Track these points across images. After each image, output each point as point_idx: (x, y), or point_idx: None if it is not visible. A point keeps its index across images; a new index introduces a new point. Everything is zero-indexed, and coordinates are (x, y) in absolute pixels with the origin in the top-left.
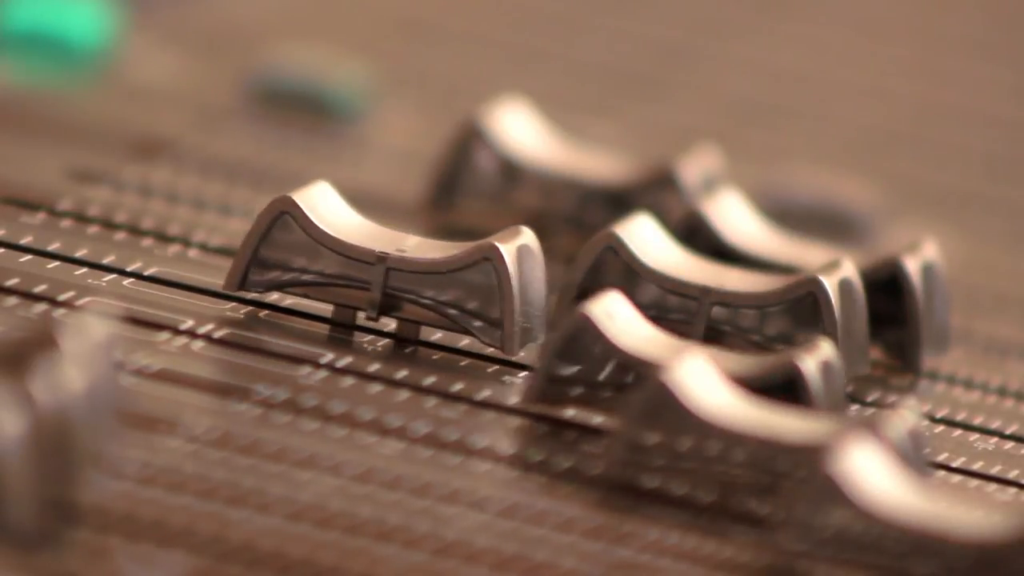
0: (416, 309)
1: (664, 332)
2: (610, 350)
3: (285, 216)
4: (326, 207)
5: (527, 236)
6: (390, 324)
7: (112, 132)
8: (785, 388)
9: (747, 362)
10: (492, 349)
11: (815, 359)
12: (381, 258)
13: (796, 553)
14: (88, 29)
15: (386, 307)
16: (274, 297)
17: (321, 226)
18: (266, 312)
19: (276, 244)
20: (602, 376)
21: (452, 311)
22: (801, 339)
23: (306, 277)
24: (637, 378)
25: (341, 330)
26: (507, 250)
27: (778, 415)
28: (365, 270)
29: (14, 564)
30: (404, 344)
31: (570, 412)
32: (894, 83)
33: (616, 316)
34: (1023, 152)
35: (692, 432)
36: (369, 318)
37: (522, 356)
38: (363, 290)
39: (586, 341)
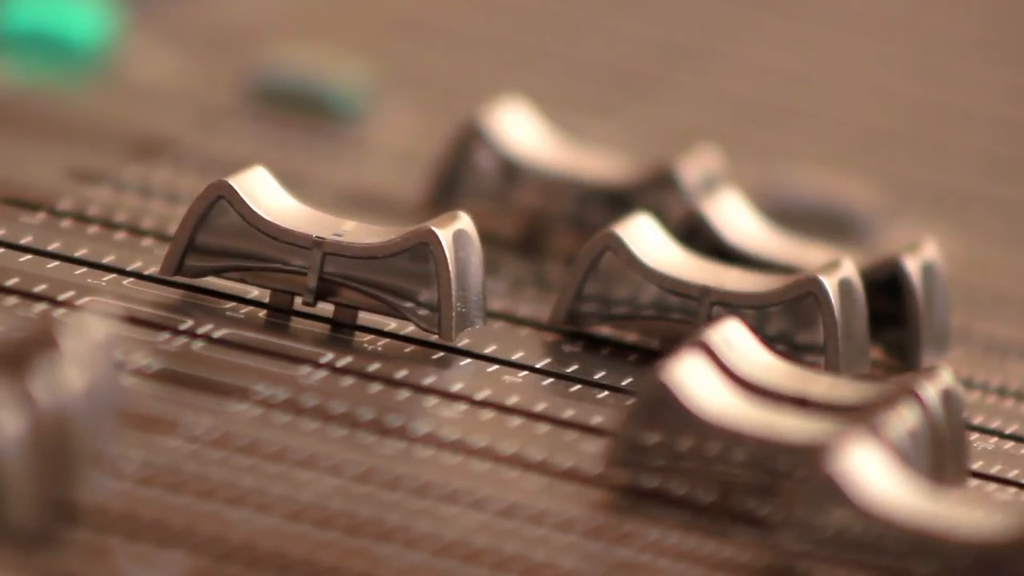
0: (353, 294)
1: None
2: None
3: (221, 201)
4: (263, 192)
5: (464, 221)
6: (328, 309)
7: (112, 132)
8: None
9: None
10: (433, 336)
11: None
12: (318, 243)
13: (796, 553)
14: (88, 29)
15: (323, 292)
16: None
17: (257, 210)
18: (265, 312)
19: (213, 229)
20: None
21: (389, 296)
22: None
23: (243, 262)
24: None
25: (278, 315)
26: (444, 235)
27: (778, 415)
28: (302, 255)
29: (14, 564)
30: (341, 329)
31: (569, 412)
32: (894, 83)
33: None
34: (1023, 152)
35: (692, 432)
36: (306, 303)
37: (463, 342)
38: (300, 275)
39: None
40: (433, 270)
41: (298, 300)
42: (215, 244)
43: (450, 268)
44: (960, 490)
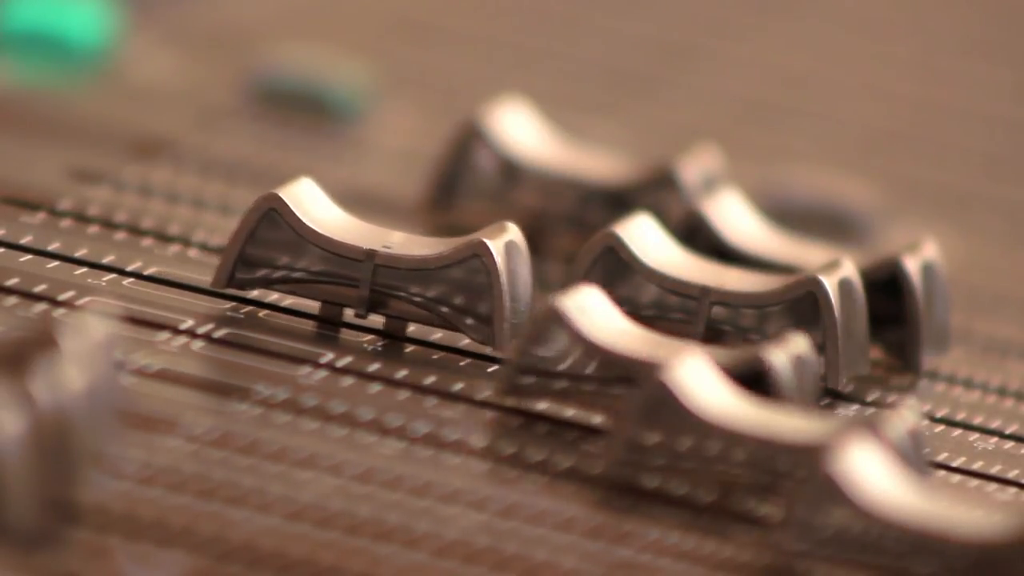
0: (404, 306)
1: (638, 325)
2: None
3: (272, 213)
4: (312, 204)
5: (513, 232)
6: (379, 321)
7: (112, 132)
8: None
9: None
10: (482, 346)
11: (786, 353)
12: (369, 255)
13: (796, 553)
14: (88, 29)
15: (374, 304)
16: (254, 294)
17: (308, 223)
18: (252, 310)
19: (263, 242)
20: (576, 370)
21: (441, 308)
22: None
23: (293, 274)
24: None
25: (329, 327)
26: (495, 246)
27: (778, 415)
28: (353, 267)
29: (14, 564)
30: (392, 341)
31: (569, 412)
32: (894, 83)
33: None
34: (1023, 152)
35: (692, 432)
36: (357, 315)
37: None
38: (351, 287)
39: (558, 335)
40: (486, 281)
41: (348, 312)
42: (265, 256)
43: (503, 280)
44: (960, 490)
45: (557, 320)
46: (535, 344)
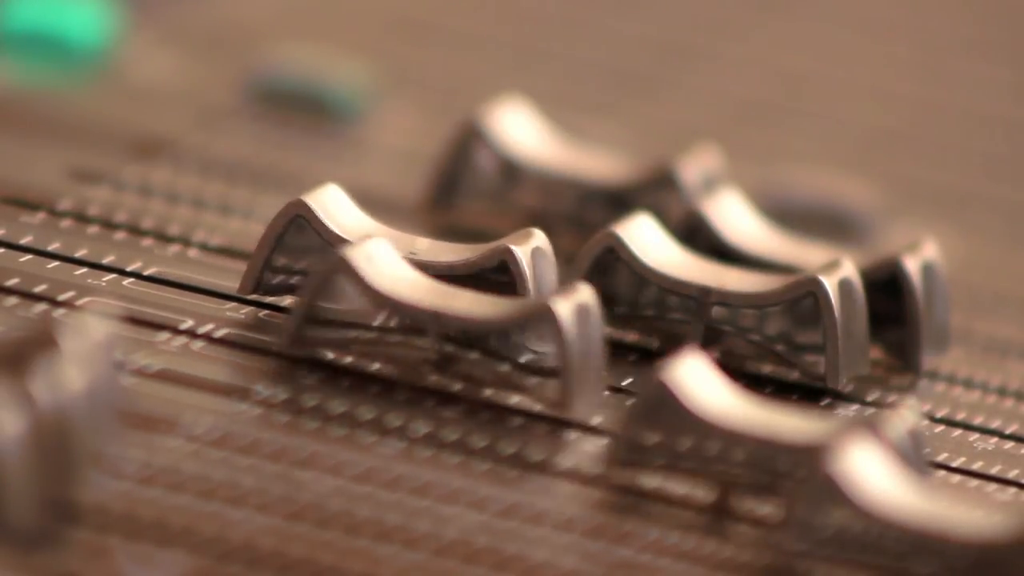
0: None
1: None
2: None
3: (299, 219)
4: (339, 209)
5: (540, 238)
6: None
7: (112, 132)
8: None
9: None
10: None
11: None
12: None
13: (796, 553)
14: (88, 29)
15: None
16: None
17: (336, 229)
18: (251, 310)
19: (289, 248)
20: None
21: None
22: None
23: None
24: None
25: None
26: (523, 251)
27: (778, 415)
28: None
29: (14, 564)
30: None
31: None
32: (894, 83)
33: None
34: (1023, 152)
35: (692, 432)
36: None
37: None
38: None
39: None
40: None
41: None
42: (291, 263)
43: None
44: (960, 490)
45: (343, 270)
46: (319, 295)
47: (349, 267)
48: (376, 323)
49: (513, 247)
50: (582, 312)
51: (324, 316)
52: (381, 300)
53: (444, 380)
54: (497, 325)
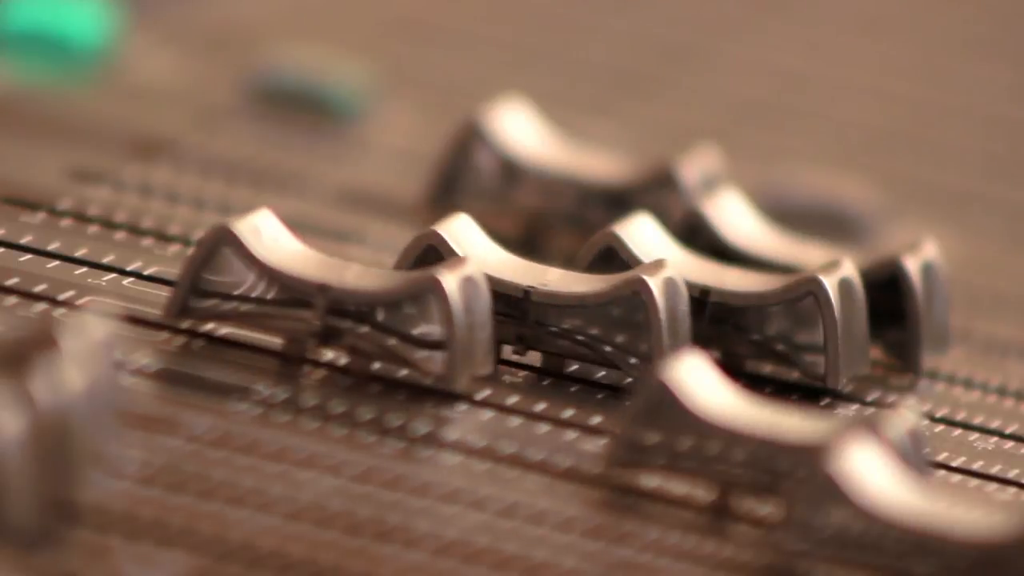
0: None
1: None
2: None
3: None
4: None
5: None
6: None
7: (112, 132)
8: None
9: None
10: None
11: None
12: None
13: (796, 553)
14: (88, 29)
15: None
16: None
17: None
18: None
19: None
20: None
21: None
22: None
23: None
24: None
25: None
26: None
27: (778, 415)
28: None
29: (14, 564)
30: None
31: (569, 412)
32: (894, 83)
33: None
34: (1023, 152)
35: (692, 432)
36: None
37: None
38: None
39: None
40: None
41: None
42: (217, 288)
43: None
44: (960, 490)
45: (229, 242)
46: (205, 267)
47: (235, 239)
48: (262, 295)
49: (646, 277)
50: (469, 285)
51: (209, 288)
52: (268, 272)
53: (331, 353)
54: (384, 297)
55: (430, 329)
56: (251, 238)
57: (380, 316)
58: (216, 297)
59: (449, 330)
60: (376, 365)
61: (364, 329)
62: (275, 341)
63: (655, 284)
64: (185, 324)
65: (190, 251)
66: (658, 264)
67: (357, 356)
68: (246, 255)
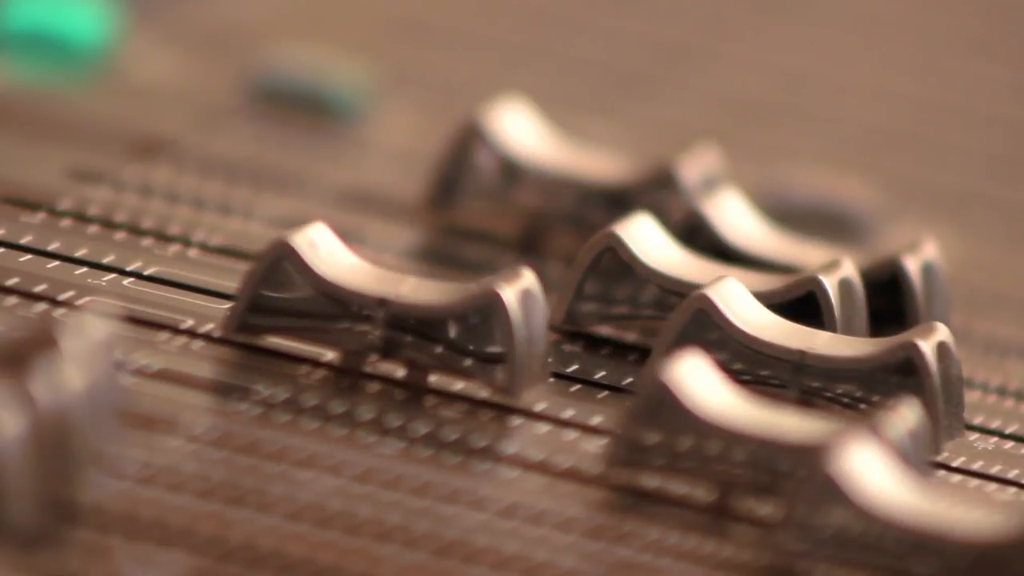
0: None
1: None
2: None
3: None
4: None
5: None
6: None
7: (112, 132)
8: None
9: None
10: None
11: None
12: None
13: (796, 553)
14: (88, 29)
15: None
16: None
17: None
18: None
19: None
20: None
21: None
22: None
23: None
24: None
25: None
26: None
27: (778, 415)
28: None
29: (14, 564)
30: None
31: (569, 412)
32: (894, 83)
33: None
34: (1023, 152)
35: (692, 432)
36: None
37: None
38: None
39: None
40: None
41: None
42: (276, 303)
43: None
44: (960, 490)
45: (287, 256)
46: (265, 283)
47: (293, 253)
48: (320, 309)
49: (919, 342)
50: (527, 298)
51: (269, 303)
52: (325, 286)
53: (389, 366)
54: (443, 311)
55: (490, 342)
56: (309, 252)
57: (442, 330)
58: (275, 313)
59: (509, 344)
60: (433, 378)
61: (424, 343)
62: (329, 353)
63: (928, 348)
64: (244, 339)
65: (248, 266)
66: (930, 328)
67: (415, 369)
68: (305, 269)
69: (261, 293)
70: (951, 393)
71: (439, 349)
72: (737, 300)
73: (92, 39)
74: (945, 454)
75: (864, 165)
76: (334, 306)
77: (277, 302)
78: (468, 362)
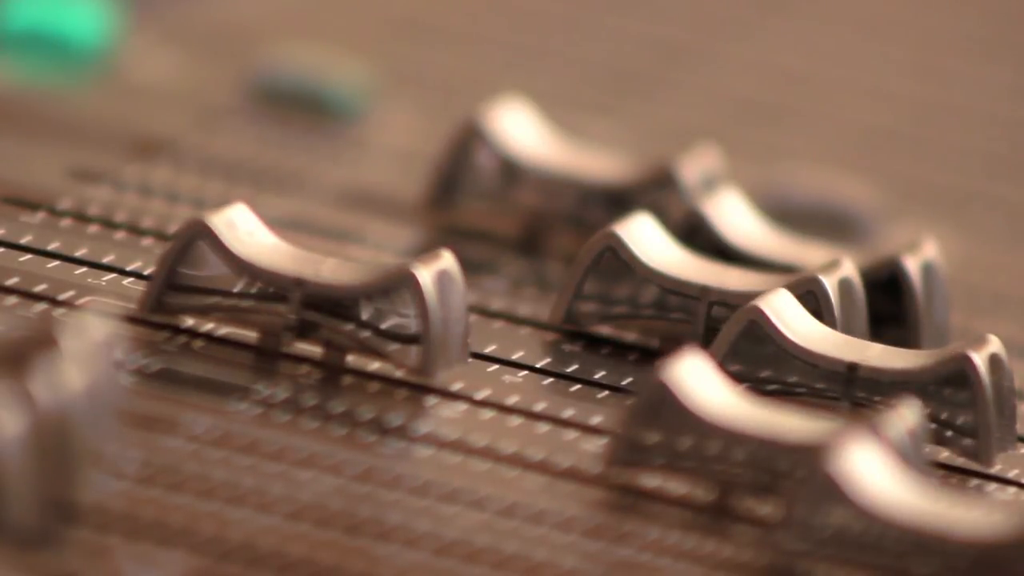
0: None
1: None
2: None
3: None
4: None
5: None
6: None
7: (112, 132)
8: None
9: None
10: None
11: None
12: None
13: (796, 553)
14: (88, 29)
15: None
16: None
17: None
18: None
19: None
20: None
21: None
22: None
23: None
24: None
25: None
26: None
27: (778, 415)
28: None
29: (14, 564)
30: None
31: (569, 412)
32: (894, 83)
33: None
34: (1023, 152)
35: (692, 432)
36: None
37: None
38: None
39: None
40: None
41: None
42: (197, 284)
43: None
44: (960, 490)
45: (203, 234)
46: (179, 261)
47: (209, 232)
48: (237, 289)
49: (972, 354)
50: (443, 278)
51: (184, 282)
52: (242, 266)
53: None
54: (357, 291)
55: (406, 322)
56: (226, 231)
57: (357, 310)
58: (191, 292)
59: (424, 324)
60: (350, 358)
61: (340, 323)
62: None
63: (980, 360)
64: (159, 319)
65: (169, 245)
66: (983, 340)
67: (332, 350)
68: (221, 248)
69: (177, 271)
70: (1003, 405)
71: (353, 329)
72: (789, 312)
73: (92, 39)
74: (945, 454)
75: (864, 165)
76: (250, 286)
77: (194, 281)
78: (383, 342)
